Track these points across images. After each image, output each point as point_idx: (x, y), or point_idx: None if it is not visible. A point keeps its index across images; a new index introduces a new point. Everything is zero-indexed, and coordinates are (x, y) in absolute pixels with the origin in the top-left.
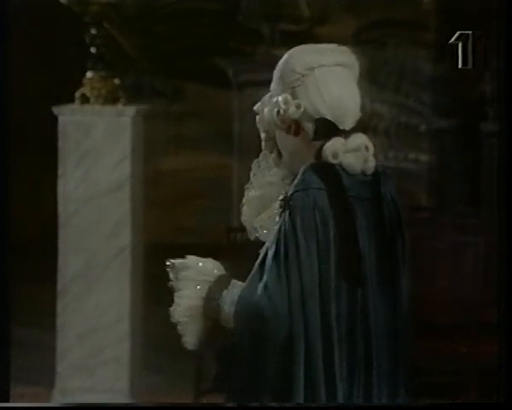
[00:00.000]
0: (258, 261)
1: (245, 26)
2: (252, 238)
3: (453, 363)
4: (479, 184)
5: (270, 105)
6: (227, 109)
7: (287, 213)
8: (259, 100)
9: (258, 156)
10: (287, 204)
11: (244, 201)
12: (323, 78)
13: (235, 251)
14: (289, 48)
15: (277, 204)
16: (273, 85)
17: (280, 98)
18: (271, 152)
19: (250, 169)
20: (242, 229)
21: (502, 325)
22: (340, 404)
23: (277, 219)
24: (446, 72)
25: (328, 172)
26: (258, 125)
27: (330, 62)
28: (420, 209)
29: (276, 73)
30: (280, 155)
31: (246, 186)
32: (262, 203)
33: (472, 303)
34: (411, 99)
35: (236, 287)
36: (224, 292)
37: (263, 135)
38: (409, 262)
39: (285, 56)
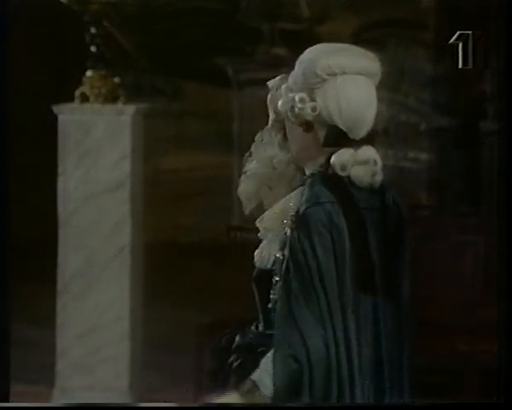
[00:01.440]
0: (280, 303)
1: (245, 25)
2: (246, 213)
3: (453, 363)
4: (479, 184)
5: (286, 98)
6: (227, 108)
7: (302, 229)
8: (259, 99)
9: None
10: (301, 219)
11: (243, 171)
12: (343, 86)
13: (235, 250)
14: (289, 47)
15: (288, 216)
16: (293, 77)
17: (297, 97)
18: (277, 134)
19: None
20: (242, 228)
21: (502, 324)
22: (340, 404)
23: (288, 232)
24: (446, 71)
25: (337, 184)
26: (269, 104)
27: (353, 70)
28: (419, 208)
29: (298, 66)
30: (285, 138)
31: (246, 155)
32: (260, 185)
33: (472, 303)
34: (411, 98)
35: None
36: (254, 374)
37: (272, 115)
38: (409, 264)
39: (309, 53)
